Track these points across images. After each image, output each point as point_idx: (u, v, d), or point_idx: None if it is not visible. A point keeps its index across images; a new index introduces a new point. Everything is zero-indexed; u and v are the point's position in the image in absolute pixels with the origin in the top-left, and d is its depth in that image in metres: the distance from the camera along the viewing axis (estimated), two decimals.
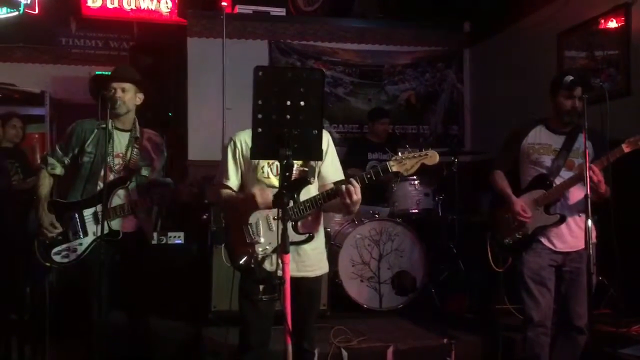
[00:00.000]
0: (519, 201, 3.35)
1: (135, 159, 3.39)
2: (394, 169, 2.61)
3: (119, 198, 3.33)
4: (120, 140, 3.39)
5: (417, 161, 2.63)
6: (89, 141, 3.34)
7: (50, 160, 3.38)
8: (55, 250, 3.28)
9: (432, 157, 2.64)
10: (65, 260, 3.28)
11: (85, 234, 3.30)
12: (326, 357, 3.66)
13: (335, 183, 2.74)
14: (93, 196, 3.28)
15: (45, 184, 3.36)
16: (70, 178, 3.41)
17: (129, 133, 3.43)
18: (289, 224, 2.65)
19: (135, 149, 3.40)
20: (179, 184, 3.56)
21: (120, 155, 3.38)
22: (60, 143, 3.44)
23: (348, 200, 2.53)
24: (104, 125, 3.25)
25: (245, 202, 2.69)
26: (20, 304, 4.23)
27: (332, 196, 2.62)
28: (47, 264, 3.29)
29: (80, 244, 3.29)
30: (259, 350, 2.78)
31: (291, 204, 2.67)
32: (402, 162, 2.62)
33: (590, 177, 2.95)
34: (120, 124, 3.40)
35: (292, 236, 2.68)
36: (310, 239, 2.74)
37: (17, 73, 6.72)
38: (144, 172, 3.43)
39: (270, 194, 2.56)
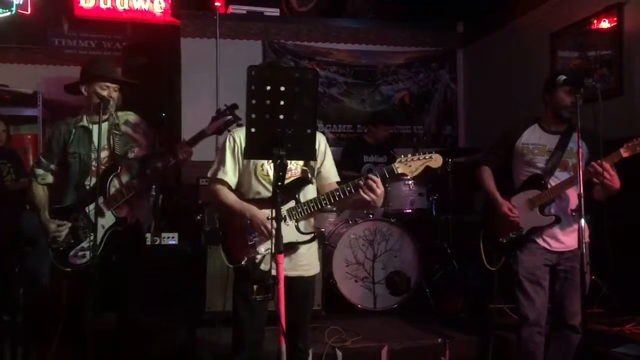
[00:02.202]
0: (505, 202, 3.36)
1: (119, 145, 3.36)
2: (400, 170, 2.62)
3: (114, 187, 3.30)
4: (102, 133, 3.35)
5: (422, 163, 2.64)
6: (69, 142, 3.32)
7: (38, 171, 3.37)
8: (71, 253, 3.24)
9: (437, 159, 2.66)
10: (84, 260, 3.23)
11: (94, 229, 3.28)
12: (320, 357, 3.66)
13: (340, 184, 2.74)
14: (90, 192, 3.26)
15: (40, 195, 3.34)
16: (61, 181, 3.39)
17: (106, 122, 3.37)
18: (293, 224, 2.67)
19: (116, 136, 3.36)
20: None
21: (105, 147, 3.34)
22: (43, 152, 3.43)
23: (372, 195, 2.54)
24: (81, 124, 3.27)
25: (251, 218, 2.69)
26: (13, 306, 4.21)
27: (338, 199, 2.63)
28: (67, 270, 3.24)
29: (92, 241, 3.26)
30: (253, 350, 2.77)
31: (293, 203, 2.67)
32: (408, 164, 2.63)
33: (604, 175, 2.96)
34: (99, 117, 3.35)
35: (297, 236, 2.70)
36: (314, 238, 2.75)
37: (9, 73, 6.66)
38: (131, 155, 3.39)
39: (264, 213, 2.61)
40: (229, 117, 3.17)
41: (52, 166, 3.37)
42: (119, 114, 3.46)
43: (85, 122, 3.34)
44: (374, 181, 2.54)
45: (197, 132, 3.30)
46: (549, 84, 3.32)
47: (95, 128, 3.32)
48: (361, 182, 2.56)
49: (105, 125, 3.36)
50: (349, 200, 2.66)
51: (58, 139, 3.35)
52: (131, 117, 3.50)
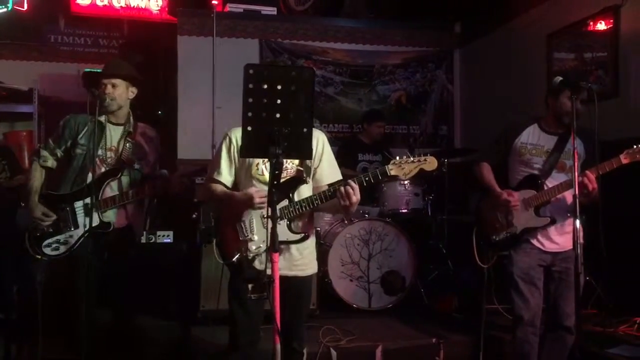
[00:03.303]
0: (505, 190, 3.34)
1: (128, 153, 3.38)
2: (393, 172, 2.61)
3: (110, 190, 3.33)
4: (113, 134, 3.39)
5: (416, 166, 2.63)
6: (82, 134, 3.34)
7: (43, 152, 3.38)
8: (45, 242, 3.26)
9: (431, 162, 2.64)
10: (56, 252, 3.27)
11: (76, 226, 3.29)
12: (315, 357, 3.66)
13: (332, 184, 2.74)
14: (84, 188, 3.27)
15: (37, 177, 3.35)
16: (61, 170, 3.40)
17: (122, 127, 3.42)
18: (285, 223, 2.67)
19: (128, 143, 3.40)
20: (171, 175, 3.55)
21: (113, 148, 3.38)
22: (53, 136, 3.43)
23: (347, 202, 2.53)
24: (98, 119, 3.27)
25: (241, 202, 2.68)
26: (8, 303, 4.20)
27: (330, 197, 2.62)
28: (38, 257, 3.27)
29: (71, 236, 3.28)
30: (248, 349, 2.77)
31: (286, 202, 2.67)
32: (401, 166, 2.62)
33: (586, 185, 2.96)
34: (114, 118, 3.42)
35: (287, 235, 2.69)
36: (305, 238, 2.74)
37: (5, 70, 6.64)
38: (137, 165, 3.42)
39: (246, 192, 2.61)
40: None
41: (58, 151, 3.38)
42: (140, 124, 3.51)
43: (102, 119, 3.35)
44: (352, 188, 2.53)
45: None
46: (554, 88, 3.25)
47: (109, 127, 3.37)
48: (341, 189, 2.55)
49: (120, 129, 3.41)
50: (330, 204, 2.66)
51: (72, 127, 3.37)
52: (149, 130, 3.56)
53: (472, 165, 3.57)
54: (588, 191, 2.99)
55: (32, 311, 3.68)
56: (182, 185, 3.46)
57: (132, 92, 3.45)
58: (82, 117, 3.39)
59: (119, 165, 3.36)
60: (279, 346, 2.14)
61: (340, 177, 2.88)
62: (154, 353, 3.88)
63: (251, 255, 2.69)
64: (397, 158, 2.64)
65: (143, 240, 4.45)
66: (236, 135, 2.79)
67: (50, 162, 3.38)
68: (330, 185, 2.72)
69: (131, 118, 3.47)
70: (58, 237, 3.28)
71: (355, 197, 2.53)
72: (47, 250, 3.27)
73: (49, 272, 3.48)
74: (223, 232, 2.81)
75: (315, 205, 2.67)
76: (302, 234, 2.73)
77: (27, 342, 3.73)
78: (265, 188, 2.67)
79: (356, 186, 2.54)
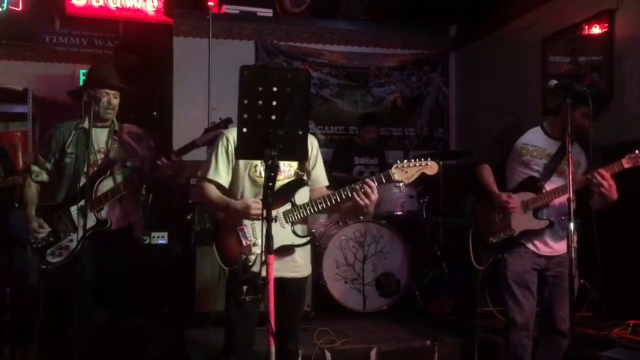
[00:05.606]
0: (503, 193, 3.32)
1: (116, 151, 3.38)
2: (396, 176, 2.62)
3: (102, 189, 3.31)
4: (99, 136, 3.39)
5: (417, 170, 2.64)
6: (68, 142, 3.35)
7: (34, 168, 3.39)
8: (48, 251, 3.28)
9: (432, 167, 2.66)
10: (59, 259, 3.27)
11: (75, 229, 3.29)
12: (310, 359, 3.65)
13: (331, 186, 2.74)
14: (76, 192, 3.27)
15: (31, 191, 3.37)
16: (54, 181, 3.41)
17: (107, 128, 3.42)
18: (289, 227, 2.66)
19: (115, 142, 3.39)
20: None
21: (102, 150, 3.38)
22: (42, 151, 3.45)
23: (366, 201, 2.55)
24: (82, 126, 3.32)
25: (237, 211, 2.66)
26: (0, 305, 4.18)
27: (339, 201, 2.62)
28: (43, 267, 3.29)
29: (71, 241, 3.29)
30: (244, 350, 2.76)
31: (289, 206, 2.66)
32: (404, 170, 2.63)
33: (601, 184, 2.94)
34: (100, 121, 3.39)
35: (293, 239, 2.70)
36: (309, 242, 2.75)
37: None
38: (129, 163, 3.40)
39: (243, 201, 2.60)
40: (222, 130, 3.16)
41: (48, 165, 3.39)
42: (125, 125, 3.50)
43: (86, 125, 3.34)
44: (370, 187, 2.55)
45: (189, 142, 3.29)
46: (577, 98, 3.00)
47: (95, 131, 3.36)
48: (357, 186, 2.57)
49: (105, 131, 3.41)
50: (343, 204, 2.66)
51: (58, 138, 3.38)
52: (135, 129, 3.55)
53: (474, 167, 3.55)
54: (605, 189, 2.95)
55: (25, 313, 3.67)
56: (175, 167, 3.39)
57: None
58: (67, 126, 3.40)
59: (106, 164, 3.35)
60: (273, 348, 2.14)
61: (327, 182, 2.90)
62: (148, 355, 3.87)
63: (252, 258, 2.68)
64: (399, 162, 2.65)
65: None
66: (233, 136, 2.77)
67: (43, 177, 3.39)
68: (329, 188, 2.71)
69: (115, 119, 3.46)
70: (59, 243, 3.29)
71: (374, 195, 2.56)
72: (50, 259, 3.28)
73: (43, 275, 3.47)
74: (224, 237, 2.78)
75: (320, 208, 2.67)
76: (309, 238, 2.74)
77: (20, 344, 3.71)
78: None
79: (374, 184, 2.56)
